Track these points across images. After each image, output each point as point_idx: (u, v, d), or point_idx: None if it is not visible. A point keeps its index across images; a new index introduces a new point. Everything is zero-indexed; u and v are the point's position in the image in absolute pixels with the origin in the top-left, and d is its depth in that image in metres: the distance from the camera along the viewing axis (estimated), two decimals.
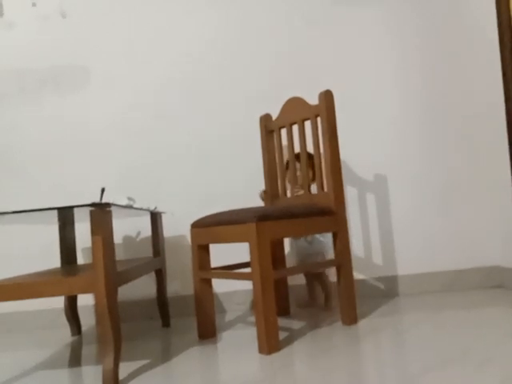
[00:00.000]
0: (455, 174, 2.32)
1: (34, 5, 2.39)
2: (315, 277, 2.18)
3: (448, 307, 1.93)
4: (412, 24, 2.36)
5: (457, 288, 2.26)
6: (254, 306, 1.54)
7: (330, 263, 1.84)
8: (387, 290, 2.29)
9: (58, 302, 2.17)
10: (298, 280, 2.23)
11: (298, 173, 2.07)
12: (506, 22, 2.00)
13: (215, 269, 1.86)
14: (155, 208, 2.00)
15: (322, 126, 1.80)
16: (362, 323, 1.79)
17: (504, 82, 2.05)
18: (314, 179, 2.06)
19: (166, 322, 2.07)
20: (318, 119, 1.83)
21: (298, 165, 2.08)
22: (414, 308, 1.98)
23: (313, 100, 1.85)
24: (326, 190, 1.83)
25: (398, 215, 2.32)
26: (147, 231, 2.24)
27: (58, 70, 2.39)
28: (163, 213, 2.14)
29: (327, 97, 1.78)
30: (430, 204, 2.32)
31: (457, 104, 2.34)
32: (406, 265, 2.30)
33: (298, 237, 2.12)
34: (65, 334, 2.11)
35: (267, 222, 1.56)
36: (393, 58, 2.37)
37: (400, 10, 2.36)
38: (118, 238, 2.26)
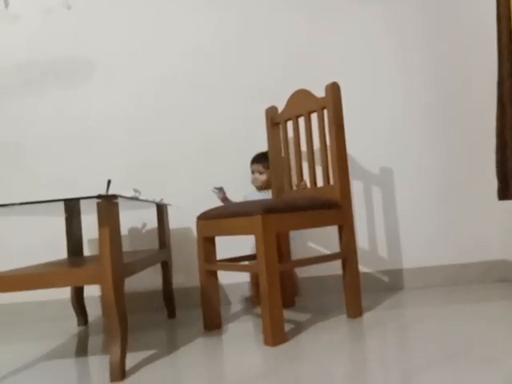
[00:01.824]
0: (460, 167, 2.31)
1: None
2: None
3: (453, 301, 1.93)
4: (415, 19, 2.34)
5: (461, 282, 2.26)
6: (260, 298, 1.54)
7: (335, 256, 1.83)
8: (392, 284, 2.29)
9: (65, 292, 2.19)
10: (306, 272, 2.24)
11: (257, 175, 2.18)
12: (505, 20, 1.96)
13: (221, 261, 1.86)
14: (161, 200, 2.00)
15: (329, 119, 1.79)
16: (367, 316, 1.79)
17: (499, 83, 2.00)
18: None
19: (171, 314, 2.09)
20: (325, 112, 1.82)
21: (255, 166, 2.18)
22: (419, 301, 1.98)
23: (320, 94, 1.84)
24: (331, 183, 1.82)
25: (403, 209, 2.32)
26: (153, 223, 2.25)
27: (61, 62, 2.39)
28: (169, 205, 2.14)
29: (334, 89, 1.77)
30: (435, 197, 2.31)
31: (459, 97, 2.32)
32: (411, 258, 2.30)
33: None
34: (71, 324, 2.14)
35: (273, 215, 1.56)
36: (396, 51, 2.35)
37: (403, 5, 2.34)
38: (123, 230, 2.27)
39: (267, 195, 2.18)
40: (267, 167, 2.16)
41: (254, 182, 2.21)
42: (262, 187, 2.20)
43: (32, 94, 2.38)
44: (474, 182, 2.30)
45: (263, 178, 2.18)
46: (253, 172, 2.21)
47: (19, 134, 2.37)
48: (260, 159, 2.19)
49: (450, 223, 2.30)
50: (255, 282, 2.17)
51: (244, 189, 2.24)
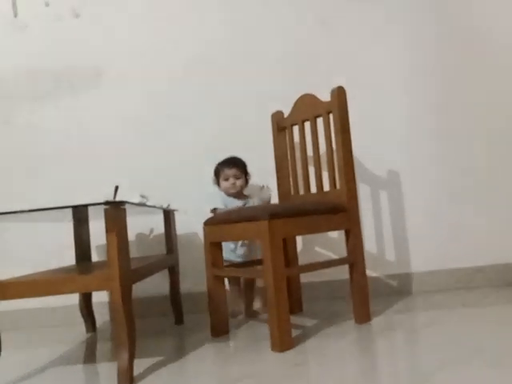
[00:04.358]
0: (470, 170, 2.29)
1: (47, 5, 2.42)
2: (248, 284, 2.14)
3: (463, 305, 1.91)
4: (427, 21, 2.34)
5: (473, 285, 2.23)
6: (266, 303, 1.54)
7: (342, 261, 1.83)
8: (400, 288, 2.27)
9: (73, 299, 2.19)
10: (314, 277, 2.23)
11: (233, 180, 2.04)
12: None
13: (228, 266, 1.86)
14: (168, 206, 2.01)
15: (335, 123, 1.79)
16: (376, 321, 1.77)
17: None
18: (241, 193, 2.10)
19: (179, 319, 2.09)
20: (331, 116, 1.82)
21: (232, 171, 2.05)
22: (428, 306, 1.96)
23: (325, 98, 1.84)
24: (338, 187, 1.82)
25: (411, 212, 2.30)
26: (160, 229, 2.25)
27: (71, 70, 2.41)
28: (176, 210, 2.15)
29: (340, 93, 1.77)
30: (445, 200, 2.29)
31: (470, 99, 2.31)
32: (420, 262, 2.28)
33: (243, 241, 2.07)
34: (80, 330, 2.14)
35: (279, 220, 1.56)
36: (407, 54, 2.34)
37: (414, 6, 2.34)
38: (131, 236, 2.25)
39: (249, 203, 2.06)
40: (243, 171, 2.07)
41: (230, 188, 2.04)
42: (239, 194, 2.08)
43: (44, 101, 2.40)
44: (485, 185, 2.28)
45: (240, 183, 2.07)
46: (226, 178, 2.05)
47: (30, 141, 2.39)
48: (237, 162, 2.07)
49: (461, 226, 2.27)
50: (245, 289, 2.15)
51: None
